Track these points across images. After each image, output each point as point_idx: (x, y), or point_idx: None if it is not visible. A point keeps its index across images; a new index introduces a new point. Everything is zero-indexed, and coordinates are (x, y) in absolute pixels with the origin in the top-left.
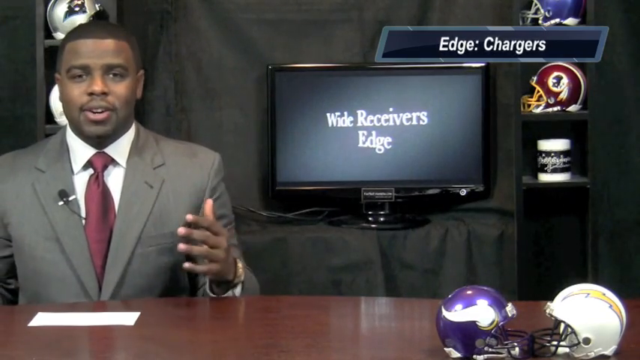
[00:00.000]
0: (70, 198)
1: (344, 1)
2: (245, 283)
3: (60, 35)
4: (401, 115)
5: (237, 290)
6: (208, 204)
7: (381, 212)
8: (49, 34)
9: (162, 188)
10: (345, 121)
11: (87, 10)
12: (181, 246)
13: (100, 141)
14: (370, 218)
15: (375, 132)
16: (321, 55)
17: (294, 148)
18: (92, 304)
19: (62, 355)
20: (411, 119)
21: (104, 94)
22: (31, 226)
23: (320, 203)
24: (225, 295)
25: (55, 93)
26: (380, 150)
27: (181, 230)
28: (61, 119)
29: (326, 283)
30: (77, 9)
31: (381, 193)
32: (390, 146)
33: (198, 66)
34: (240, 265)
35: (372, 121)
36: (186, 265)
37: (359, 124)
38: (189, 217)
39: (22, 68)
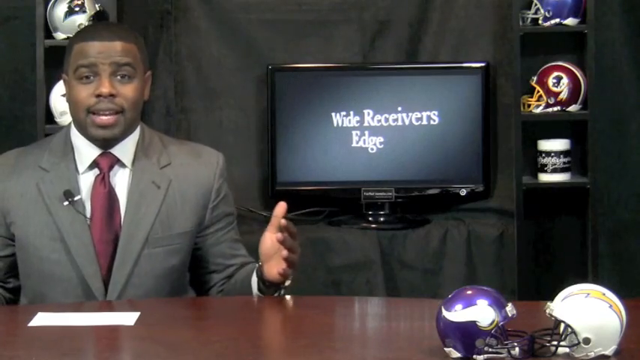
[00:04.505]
0: (76, 198)
1: (344, 0)
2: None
3: (60, 35)
4: (398, 115)
5: (282, 291)
6: (282, 206)
7: (381, 212)
8: (49, 34)
9: (169, 188)
10: (352, 120)
11: (87, 10)
12: (284, 253)
13: (106, 142)
14: (370, 218)
15: (367, 132)
16: (321, 55)
17: (294, 148)
18: (92, 304)
19: (62, 355)
20: (420, 119)
21: (112, 95)
22: (36, 226)
23: (320, 203)
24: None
25: (55, 93)
26: (372, 149)
27: (279, 236)
28: (61, 119)
29: (326, 283)
30: (77, 9)
31: (381, 193)
32: (382, 145)
33: (198, 66)
34: None
35: (379, 121)
36: (282, 268)
37: (366, 123)
38: (283, 222)
39: (22, 68)
